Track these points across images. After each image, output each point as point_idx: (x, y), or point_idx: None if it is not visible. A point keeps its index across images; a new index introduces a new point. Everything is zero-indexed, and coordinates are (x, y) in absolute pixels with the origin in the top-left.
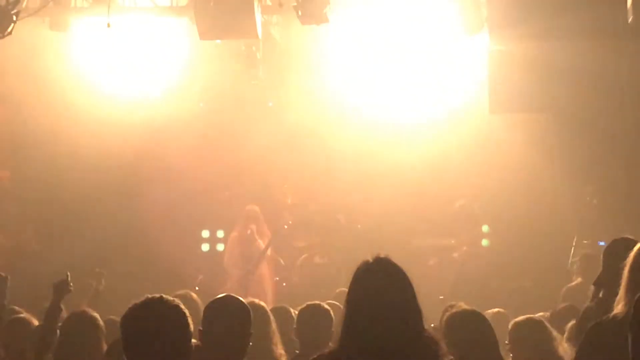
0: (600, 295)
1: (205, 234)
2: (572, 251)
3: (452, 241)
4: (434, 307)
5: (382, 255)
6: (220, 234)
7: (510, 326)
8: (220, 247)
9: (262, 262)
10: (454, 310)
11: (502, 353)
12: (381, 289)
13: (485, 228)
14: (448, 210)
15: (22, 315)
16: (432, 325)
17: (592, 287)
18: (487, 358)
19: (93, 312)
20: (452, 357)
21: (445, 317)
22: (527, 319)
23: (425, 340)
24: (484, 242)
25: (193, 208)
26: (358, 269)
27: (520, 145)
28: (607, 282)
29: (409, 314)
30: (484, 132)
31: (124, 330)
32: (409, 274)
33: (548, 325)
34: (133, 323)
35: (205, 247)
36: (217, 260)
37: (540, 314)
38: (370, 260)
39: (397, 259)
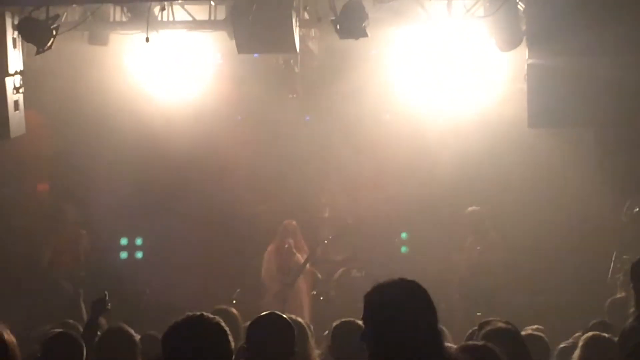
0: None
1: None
2: (611, 266)
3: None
4: (472, 323)
5: (402, 278)
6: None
7: (581, 342)
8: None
9: (300, 276)
10: (489, 327)
11: None
12: (396, 309)
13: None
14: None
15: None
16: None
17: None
18: None
19: (128, 328)
20: None
21: (480, 335)
22: (599, 337)
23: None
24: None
25: (229, 221)
26: (368, 292)
27: (560, 159)
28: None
29: (427, 335)
30: (523, 147)
31: (165, 348)
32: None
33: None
34: (174, 341)
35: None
36: (254, 274)
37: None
38: (383, 282)
39: (436, 273)
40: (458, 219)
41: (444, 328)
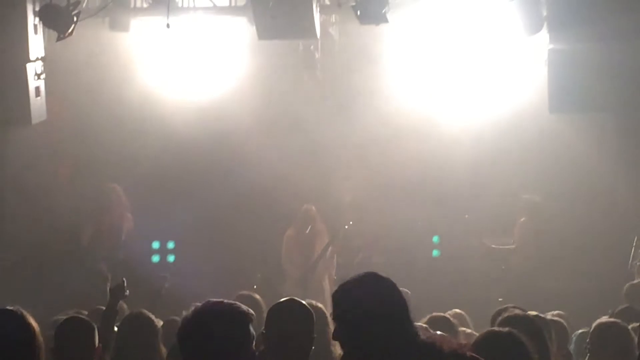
0: None
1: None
2: (632, 252)
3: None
4: (492, 308)
5: (368, 272)
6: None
7: (592, 328)
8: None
9: (321, 261)
10: (506, 314)
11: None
12: (365, 304)
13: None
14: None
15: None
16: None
17: None
18: None
19: (149, 314)
20: None
21: (498, 321)
22: (613, 323)
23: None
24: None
25: (250, 207)
26: (335, 290)
27: (581, 144)
28: None
29: (394, 325)
30: (544, 132)
31: (182, 335)
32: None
33: (632, 331)
34: (191, 328)
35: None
36: (275, 259)
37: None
38: (349, 279)
39: (459, 258)
40: (482, 207)
41: (463, 313)
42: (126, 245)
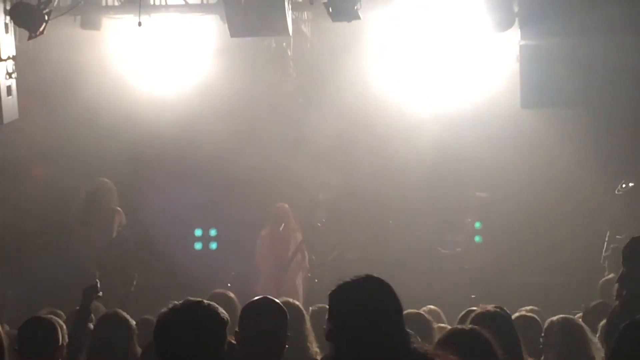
0: (624, 294)
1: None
2: (605, 246)
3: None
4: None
5: (369, 275)
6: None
7: (545, 325)
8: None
9: (294, 259)
10: (478, 311)
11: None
12: (362, 308)
13: (477, 224)
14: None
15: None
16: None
17: (616, 285)
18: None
19: (124, 314)
20: None
21: (469, 319)
22: (563, 319)
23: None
24: (477, 238)
25: (223, 204)
26: (333, 290)
27: (552, 139)
28: (629, 281)
29: (390, 332)
30: (515, 127)
31: (157, 334)
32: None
33: (584, 326)
34: (165, 327)
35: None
36: (248, 258)
37: (578, 314)
38: (349, 280)
39: (429, 256)
40: (452, 202)
41: (438, 309)
42: (119, 241)
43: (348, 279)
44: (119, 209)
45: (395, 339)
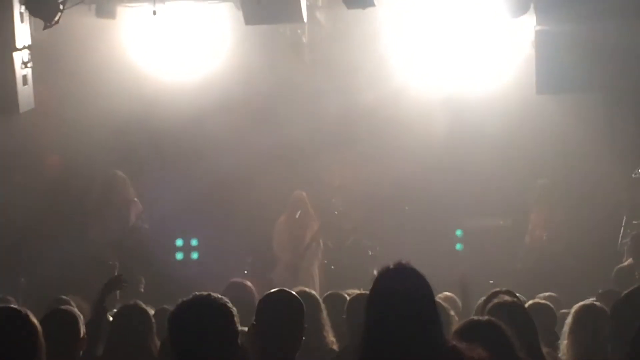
0: None
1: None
2: (621, 231)
3: (501, 222)
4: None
5: (403, 262)
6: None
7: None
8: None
9: (311, 246)
10: (495, 300)
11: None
12: (400, 297)
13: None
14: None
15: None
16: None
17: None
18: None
19: (143, 305)
20: None
21: (486, 309)
22: (590, 305)
23: (446, 354)
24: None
25: (240, 191)
26: (377, 277)
27: (568, 125)
28: None
29: (427, 324)
30: (531, 113)
31: (171, 328)
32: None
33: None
34: (179, 321)
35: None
36: (266, 244)
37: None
38: (391, 266)
39: (444, 240)
40: (469, 186)
41: (454, 296)
42: (134, 231)
43: (383, 269)
44: (135, 199)
45: (431, 330)
